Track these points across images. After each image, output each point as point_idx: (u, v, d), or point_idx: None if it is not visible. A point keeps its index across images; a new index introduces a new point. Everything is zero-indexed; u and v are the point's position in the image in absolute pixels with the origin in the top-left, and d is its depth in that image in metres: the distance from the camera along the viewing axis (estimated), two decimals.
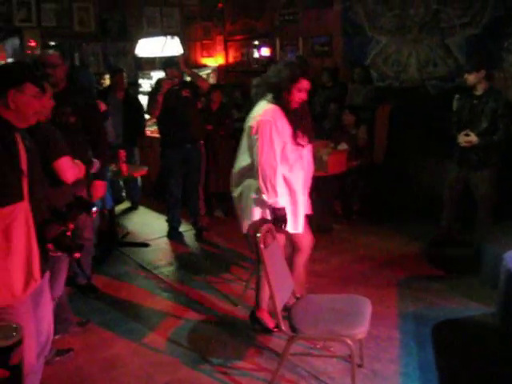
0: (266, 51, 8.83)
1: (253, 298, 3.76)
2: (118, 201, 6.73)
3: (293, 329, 2.87)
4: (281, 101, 3.35)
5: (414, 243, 5.24)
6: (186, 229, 5.86)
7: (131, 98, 6.71)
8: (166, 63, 5.48)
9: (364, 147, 6.18)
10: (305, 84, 3.35)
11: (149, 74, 7.81)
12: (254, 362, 3.36)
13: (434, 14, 6.67)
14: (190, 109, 5.36)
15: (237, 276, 4.71)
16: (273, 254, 3.01)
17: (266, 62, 7.90)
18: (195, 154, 5.51)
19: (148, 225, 6.23)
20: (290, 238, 3.59)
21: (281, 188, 3.34)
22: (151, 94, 5.48)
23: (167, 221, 5.76)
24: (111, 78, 6.68)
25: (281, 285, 3.00)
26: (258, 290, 3.64)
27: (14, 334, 1.82)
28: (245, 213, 3.47)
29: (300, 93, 3.36)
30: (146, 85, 7.80)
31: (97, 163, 3.83)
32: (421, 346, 3.46)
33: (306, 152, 3.54)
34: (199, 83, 5.45)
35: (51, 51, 4.73)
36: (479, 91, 4.77)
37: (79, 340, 3.64)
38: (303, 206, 3.51)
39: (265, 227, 3.00)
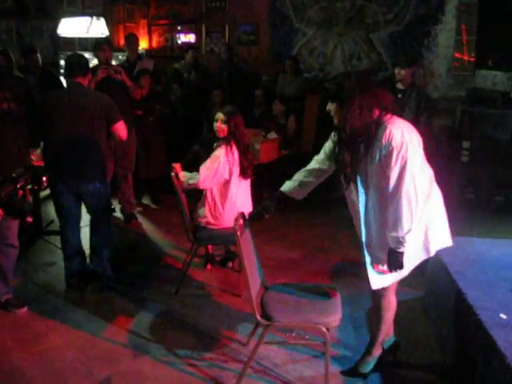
0: (187, 37, 8.73)
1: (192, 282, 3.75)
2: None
3: (267, 317, 2.84)
4: None
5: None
6: (114, 216, 5.71)
7: (52, 78, 6.27)
8: (96, 46, 5.25)
9: (293, 136, 6.29)
10: None
11: None
12: (220, 353, 3.33)
13: (359, 9, 6.89)
14: (122, 94, 5.20)
15: (170, 264, 4.68)
16: (246, 242, 3.02)
17: (187, 48, 7.80)
18: (127, 140, 5.33)
19: None
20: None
21: None
22: None
23: None
24: (25, 59, 6.13)
25: (253, 272, 3.01)
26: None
27: None
28: None
29: None
30: None
31: None
32: (357, 330, 3.62)
33: None
34: (133, 92, 5.33)
35: None
36: (403, 85, 4.98)
37: (9, 334, 3.48)
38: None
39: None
